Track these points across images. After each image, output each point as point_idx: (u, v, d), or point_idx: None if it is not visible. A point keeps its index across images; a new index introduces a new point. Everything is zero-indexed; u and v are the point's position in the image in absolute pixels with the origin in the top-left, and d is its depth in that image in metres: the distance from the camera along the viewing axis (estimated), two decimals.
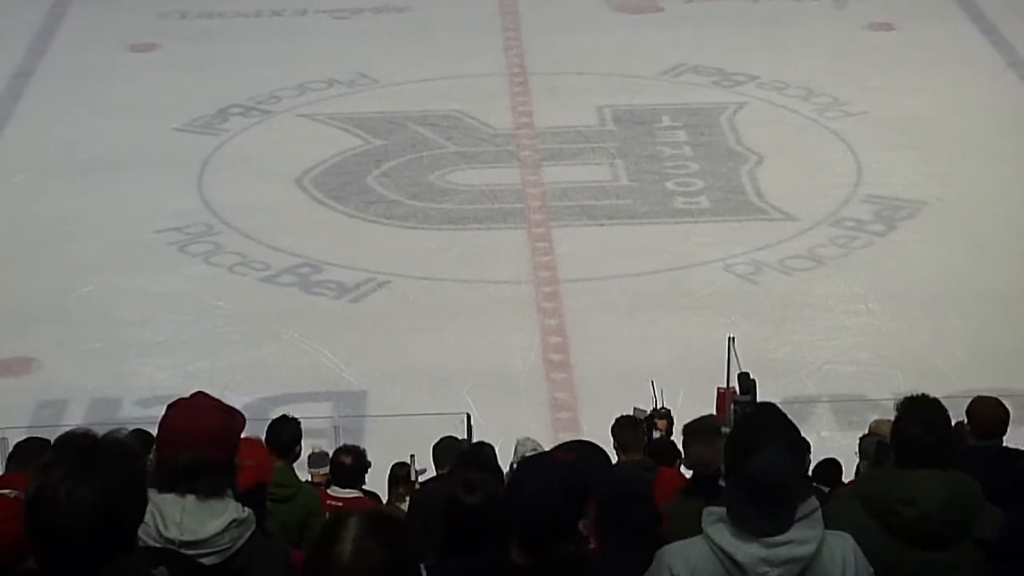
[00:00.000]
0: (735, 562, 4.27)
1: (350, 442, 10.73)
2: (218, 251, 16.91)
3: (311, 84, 21.11)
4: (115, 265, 16.59)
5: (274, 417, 9.55)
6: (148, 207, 17.77)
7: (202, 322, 15.65)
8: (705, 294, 15.95)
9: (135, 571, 3.45)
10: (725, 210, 17.75)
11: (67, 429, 3.57)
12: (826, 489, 9.42)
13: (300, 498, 8.43)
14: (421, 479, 10.39)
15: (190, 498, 4.16)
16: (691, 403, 11.35)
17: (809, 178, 18.43)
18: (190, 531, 4.12)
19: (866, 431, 10.86)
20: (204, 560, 4.13)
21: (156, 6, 23.69)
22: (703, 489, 6.60)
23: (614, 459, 8.71)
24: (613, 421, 8.93)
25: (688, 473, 7.74)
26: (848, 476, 10.04)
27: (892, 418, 5.30)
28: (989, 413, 7.63)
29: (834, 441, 12.61)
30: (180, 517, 4.13)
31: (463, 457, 8.62)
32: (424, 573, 3.49)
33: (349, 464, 9.55)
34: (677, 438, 8.86)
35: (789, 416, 4.54)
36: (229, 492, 4.23)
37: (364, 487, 9.83)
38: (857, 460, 10.03)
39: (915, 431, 5.11)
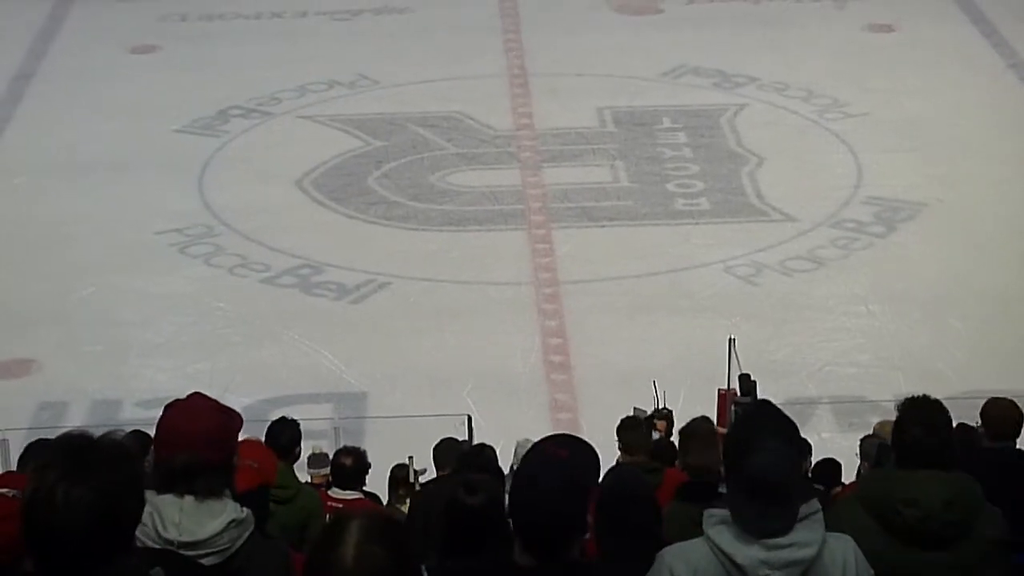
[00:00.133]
0: (736, 564, 4.26)
1: (350, 443, 10.73)
2: (218, 253, 16.91)
3: (311, 85, 21.11)
4: (115, 267, 16.60)
5: (274, 419, 9.55)
6: (148, 209, 17.77)
7: (202, 324, 15.65)
8: (705, 295, 15.95)
9: (134, 571, 3.45)
10: (725, 212, 17.75)
11: (67, 431, 3.56)
12: (822, 488, 9.43)
13: (300, 500, 8.42)
14: (421, 479, 10.38)
15: (188, 499, 4.16)
16: (692, 404, 11.34)
17: (809, 180, 18.43)
18: (189, 532, 4.12)
19: (866, 432, 10.86)
20: (203, 561, 4.12)
21: (156, 8, 23.71)
22: (699, 493, 6.59)
23: (613, 460, 8.73)
24: (618, 422, 8.95)
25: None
26: (848, 477, 10.04)
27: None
28: (1004, 415, 7.62)
29: (834, 443, 12.61)
30: (179, 518, 4.12)
31: (464, 459, 8.62)
32: (425, 575, 3.48)
33: (350, 465, 9.55)
34: (677, 438, 8.85)
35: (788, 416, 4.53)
36: (227, 492, 4.22)
37: (365, 488, 9.83)
38: (858, 462, 10.03)
39: (916, 432, 5.11)
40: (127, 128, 19.77)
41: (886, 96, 20.46)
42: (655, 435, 10.32)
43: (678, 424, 9.84)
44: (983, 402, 7.85)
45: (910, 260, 16.68)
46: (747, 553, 4.25)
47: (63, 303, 15.93)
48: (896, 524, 5.00)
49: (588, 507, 4.09)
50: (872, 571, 4.44)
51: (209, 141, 19.62)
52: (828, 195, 18.01)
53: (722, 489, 4.34)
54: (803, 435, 9.17)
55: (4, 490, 4.45)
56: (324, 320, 15.64)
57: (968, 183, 18.23)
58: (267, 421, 9.63)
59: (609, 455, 9.02)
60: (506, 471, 8.72)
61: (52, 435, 4.99)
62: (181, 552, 4.10)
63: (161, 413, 4.34)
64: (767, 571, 4.25)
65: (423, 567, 3.48)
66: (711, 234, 17.28)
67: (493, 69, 21.68)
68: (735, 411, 10.78)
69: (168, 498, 4.16)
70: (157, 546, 4.09)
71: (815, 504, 4.32)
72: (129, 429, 9.36)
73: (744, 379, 11.31)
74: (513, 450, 9.96)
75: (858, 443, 10.15)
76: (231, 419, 4.34)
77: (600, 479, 4.95)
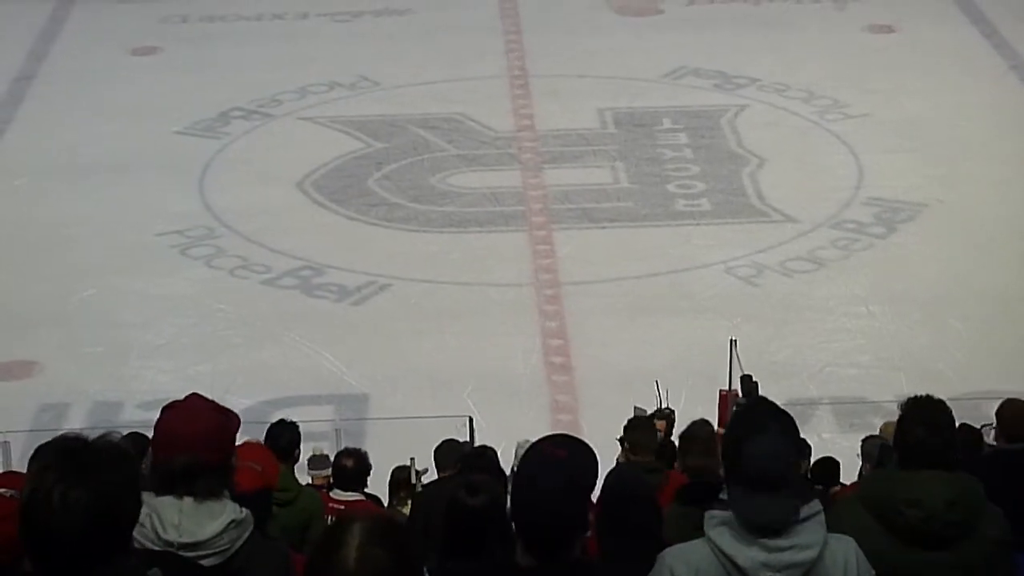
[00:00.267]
0: (736, 566, 4.25)
1: (351, 445, 10.73)
2: (219, 254, 16.91)
3: (312, 87, 21.12)
4: (116, 268, 16.60)
5: (273, 421, 9.55)
6: (149, 210, 17.78)
7: (203, 325, 15.65)
8: (706, 296, 15.95)
9: (132, 572, 3.45)
10: (726, 212, 17.75)
11: (64, 433, 3.57)
12: (821, 487, 9.44)
13: (301, 501, 8.42)
14: (423, 479, 10.38)
15: (188, 500, 4.15)
16: (693, 405, 11.36)
17: (810, 180, 18.43)
18: (189, 533, 4.12)
19: (867, 433, 10.86)
20: (203, 562, 4.12)
21: (157, 10, 23.72)
22: (698, 496, 6.57)
23: (613, 460, 8.73)
24: (626, 421, 8.97)
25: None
26: (849, 478, 10.04)
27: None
28: (1019, 415, 7.59)
29: (835, 443, 12.61)
30: (178, 519, 4.12)
31: (466, 460, 8.62)
32: None
33: (351, 467, 9.55)
34: (677, 439, 8.85)
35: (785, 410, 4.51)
36: (226, 493, 4.22)
37: (366, 490, 9.83)
38: (859, 463, 10.03)
39: (919, 432, 5.10)
40: (128, 130, 19.78)
41: (887, 97, 20.46)
42: None
43: (678, 425, 9.84)
44: (983, 403, 7.85)
45: (910, 261, 16.68)
46: (748, 555, 4.24)
47: (64, 305, 15.93)
48: (898, 524, 5.00)
49: (588, 506, 4.09)
50: (873, 572, 4.43)
51: (210, 143, 19.63)
52: (829, 196, 18.01)
53: (723, 495, 4.32)
54: (804, 436, 9.18)
55: (3, 490, 4.46)
56: (325, 322, 15.64)
57: (969, 184, 18.23)
58: (268, 423, 9.64)
59: (609, 456, 9.03)
60: (507, 472, 8.71)
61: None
62: (181, 553, 4.10)
63: (159, 415, 4.34)
64: (768, 573, 4.25)
65: (425, 569, 3.48)
66: (712, 235, 17.28)
67: (494, 70, 21.69)
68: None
69: (167, 500, 4.16)
70: (157, 548, 4.09)
71: (816, 505, 4.32)
72: (127, 431, 9.37)
73: (745, 380, 11.31)
74: (514, 451, 9.95)
75: (859, 444, 10.16)
76: (229, 420, 4.34)
77: (600, 479, 4.95)
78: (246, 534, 4.18)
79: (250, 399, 13.81)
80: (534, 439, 4.31)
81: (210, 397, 4.42)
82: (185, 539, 4.11)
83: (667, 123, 20.06)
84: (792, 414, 4.42)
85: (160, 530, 4.11)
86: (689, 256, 16.83)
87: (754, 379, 11.27)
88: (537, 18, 23.25)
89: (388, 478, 10.79)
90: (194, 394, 4.42)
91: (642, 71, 21.51)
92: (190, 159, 19.11)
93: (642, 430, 8.64)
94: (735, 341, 12.18)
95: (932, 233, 17.22)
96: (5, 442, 12.04)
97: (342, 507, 9.20)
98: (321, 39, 22.74)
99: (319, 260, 16.74)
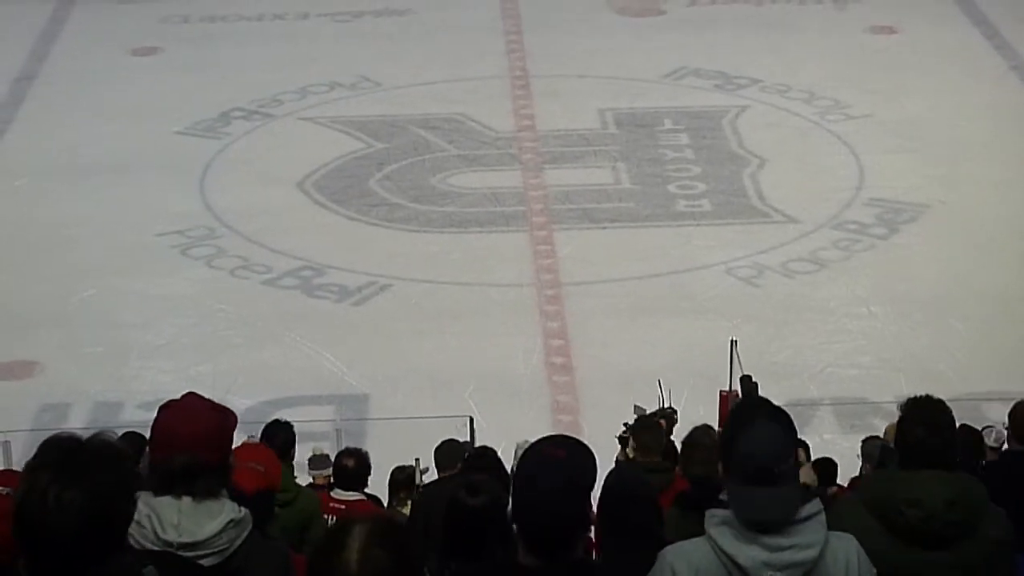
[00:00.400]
0: (737, 565, 4.24)
1: (352, 445, 10.73)
2: (220, 254, 16.91)
3: (313, 87, 21.11)
4: (117, 268, 16.59)
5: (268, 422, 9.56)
6: (150, 211, 17.77)
7: (204, 325, 15.64)
8: (707, 297, 15.94)
9: (127, 571, 3.44)
10: (727, 213, 17.74)
11: (57, 433, 3.55)
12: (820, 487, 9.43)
13: (299, 502, 8.43)
14: (425, 479, 10.38)
15: (186, 500, 4.15)
16: (694, 406, 11.36)
17: (811, 181, 18.42)
18: (188, 533, 4.11)
19: (868, 434, 10.86)
20: (203, 561, 4.12)
21: (158, 10, 23.72)
22: (698, 500, 6.56)
23: (613, 460, 8.73)
24: (632, 421, 8.93)
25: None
26: (849, 478, 10.03)
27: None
28: None
29: (836, 444, 12.60)
30: (177, 519, 4.12)
31: (468, 462, 8.61)
32: None
33: (352, 467, 9.55)
34: (677, 438, 8.84)
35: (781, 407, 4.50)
36: (224, 492, 4.22)
37: (366, 490, 9.83)
38: (860, 463, 10.03)
39: (920, 432, 5.10)
40: (128, 130, 19.77)
41: (888, 98, 20.46)
42: None
43: (679, 427, 9.83)
44: (984, 403, 7.85)
45: (912, 261, 16.67)
46: (749, 554, 4.23)
47: (64, 305, 15.92)
48: (899, 524, 5.00)
49: (589, 505, 4.09)
50: (875, 570, 4.43)
51: (210, 143, 19.62)
52: (830, 197, 18.00)
53: (723, 496, 4.31)
54: (804, 437, 9.16)
55: (3, 489, 4.46)
56: (326, 322, 15.63)
57: (970, 185, 18.23)
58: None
59: (611, 456, 9.03)
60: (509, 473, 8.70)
61: None
62: (180, 553, 4.09)
63: (156, 415, 4.32)
64: (769, 572, 4.24)
65: (425, 569, 3.48)
66: (713, 236, 17.27)
67: (495, 71, 21.68)
68: None
69: (166, 500, 4.15)
70: (156, 548, 4.08)
71: (817, 504, 4.31)
72: (131, 431, 9.37)
73: (746, 381, 11.29)
74: (513, 452, 9.94)
75: (860, 444, 10.15)
76: (226, 418, 4.33)
77: (600, 478, 4.95)
78: (245, 533, 4.18)
79: (251, 399, 13.81)
80: (533, 440, 4.31)
81: (211, 398, 4.42)
82: (184, 539, 4.10)
83: (668, 124, 20.06)
84: (793, 415, 4.41)
85: (159, 530, 4.10)
86: (690, 257, 16.83)
87: (754, 380, 11.25)
88: (538, 18, 23.25)
89: (388, 478, 10.78)
90: (191, 393, 4.41)
91: (643, 72, 21.51)
92: (191, 159, 19.11)
93: (649, 431, 8.63)
94: (736, 342, 12.17)
95: (933, 234, 17.21)
96: (6, 442, 12.04)
97: (343, 507, 9.20)
98: (322, 39, 22.74)
99: (320, 260, 16.73)
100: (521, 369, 14.73)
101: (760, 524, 4.22)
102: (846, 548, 4.33)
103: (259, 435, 9.25)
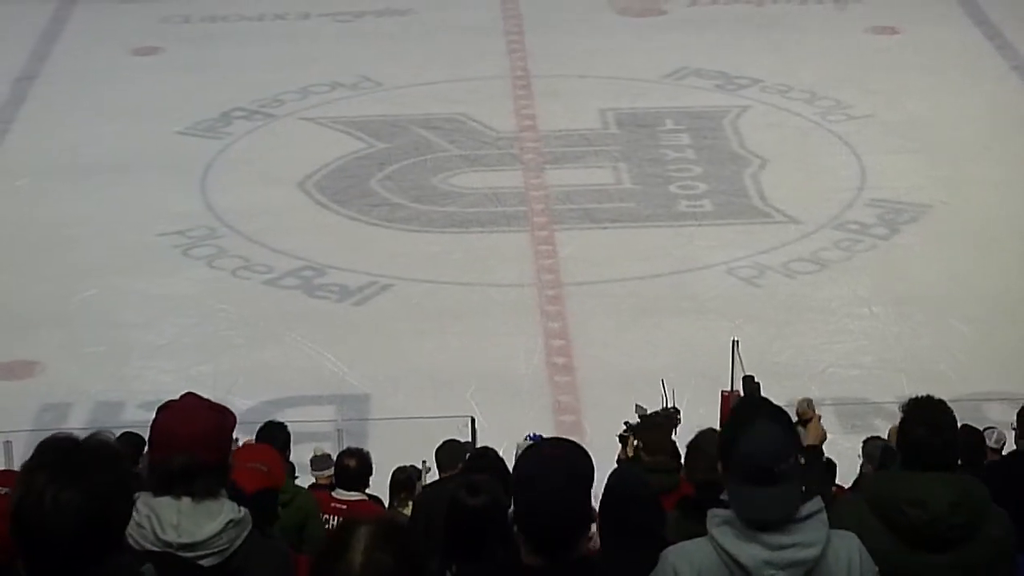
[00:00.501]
0: (739, 564, 4.24)
1: (353, 445, 10.72)
2: (221, 254, 16.91)
3: (314, 87, 21.11)
4: (118, 268, 16.59)
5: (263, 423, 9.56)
6: (151, 210, 17.77)
7: (205, 325, 15.65)
8: (709, 297, 15.94)
9: (125, 570, 3.44)
10: (728, 213, 17.74)
11: (54, 433, 3.54)
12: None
13: (297, 502, 8.44)
14: (426, 479, 10.38)
15: (186, 500, 4.14)
16: (695, 406, 11.34)
17: (812, 181, 18.42)
18: (188, 533, 4.11)
19: (869, 434, 10.85)
20: (202, 562, 4.11)
21: (159, 10, 23.72)
22: (699, 502, 6.54)
23: (614, 460, 8.72)
24: (637, 421, 8.92)
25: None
26: (850, 478, 10.03)
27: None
28: None
29: (837, 444, 12.58)
30: (177, 520, 4.11)
31: (469, 462, 8.60)
32: None
33: (353, 467, 9.55)
34: (680, 439, 8.82)
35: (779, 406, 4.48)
36: (224, 492, 4.21)
37: (368, 490, 9.82)
38: (860, 463, 10.02)
39: (921, 432, 5.10)
40: (129, 130, 19.78)
41: (889, 98, 20.45)
42: None
43: (681, 428, 9.81)
44: (985, 403, 7.84)
45: (913, 262, 16.66)
46: (750, 553, 4.23)
47: (65, 305, 15.93)
48: (901, 524, 4.99)
49: (589, 501, 4.09)
50: (877, 569, 4.41)
51: (211, 143, 19.62)
52: (831, 197, 17.99)
53: (723, 496, 4.30)
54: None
55: (2, 489, 4.45)
56: (327, 322, 15.63)
57: (971, 185, 18.22)
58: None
59: (612, 456, 9.03)
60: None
61: None
62: (180, 554, 4.09)
63: (155, 415, 4.32)
64: (771, 571, 4.23)
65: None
66: (714, 236, 17.26)
67: (496, 71, 21.68)
68: None
69: (165, 500, 4.14)
70: (156, 548, 4.08)
71: (818, 503, 4.29)
72: (131, 431, 9.37)
73: (747, 381, 11.29)
74: (514, 452, 9.93)
75: (861, 445, 10.15)
76: (225, 418, 4.33)
77: (601, 479, 4.95)
78: (244, 533, 4.17)
79: (252, 399, 13.82)
80: (535, 434, 4.32)
81: (211, 398, 4.41)
82: (184, 539, 4.10)
83: (669, 124, 20.05)
84: (793, 415, 4.40)
85: (159, 531, 4.10)
86: (691, 257, 16.82)
87: (756, 380, 11.25)
88: (539, 18, 23.24)
89: (389, 479, 10.78)
90: (189, 393, 4.40)
91: (644, 72, 21.50)
92: (192, 159, 19.11)
93: (659, 430, 8.62)
94: (737, 342, 12.17)
95: (934, 234, 17.20)
96: (7, 442, 12.04)
97: (345, 507, 9.20)
98: (323, 39, 22.74)
99: (321, 260, 16.73)
100: (522, 369, 14.73)
101: (761, 523, 4.22)
102: (848, 546, 4.32)
103: (253, 437, 9.21)
